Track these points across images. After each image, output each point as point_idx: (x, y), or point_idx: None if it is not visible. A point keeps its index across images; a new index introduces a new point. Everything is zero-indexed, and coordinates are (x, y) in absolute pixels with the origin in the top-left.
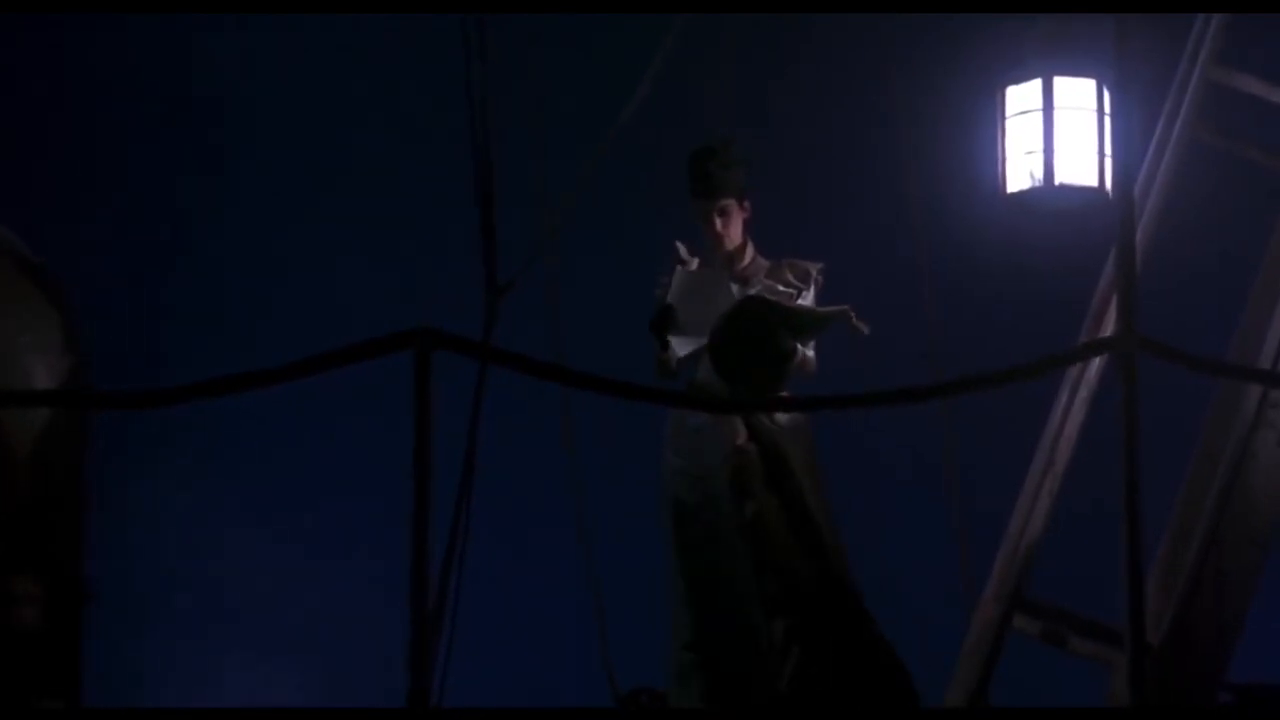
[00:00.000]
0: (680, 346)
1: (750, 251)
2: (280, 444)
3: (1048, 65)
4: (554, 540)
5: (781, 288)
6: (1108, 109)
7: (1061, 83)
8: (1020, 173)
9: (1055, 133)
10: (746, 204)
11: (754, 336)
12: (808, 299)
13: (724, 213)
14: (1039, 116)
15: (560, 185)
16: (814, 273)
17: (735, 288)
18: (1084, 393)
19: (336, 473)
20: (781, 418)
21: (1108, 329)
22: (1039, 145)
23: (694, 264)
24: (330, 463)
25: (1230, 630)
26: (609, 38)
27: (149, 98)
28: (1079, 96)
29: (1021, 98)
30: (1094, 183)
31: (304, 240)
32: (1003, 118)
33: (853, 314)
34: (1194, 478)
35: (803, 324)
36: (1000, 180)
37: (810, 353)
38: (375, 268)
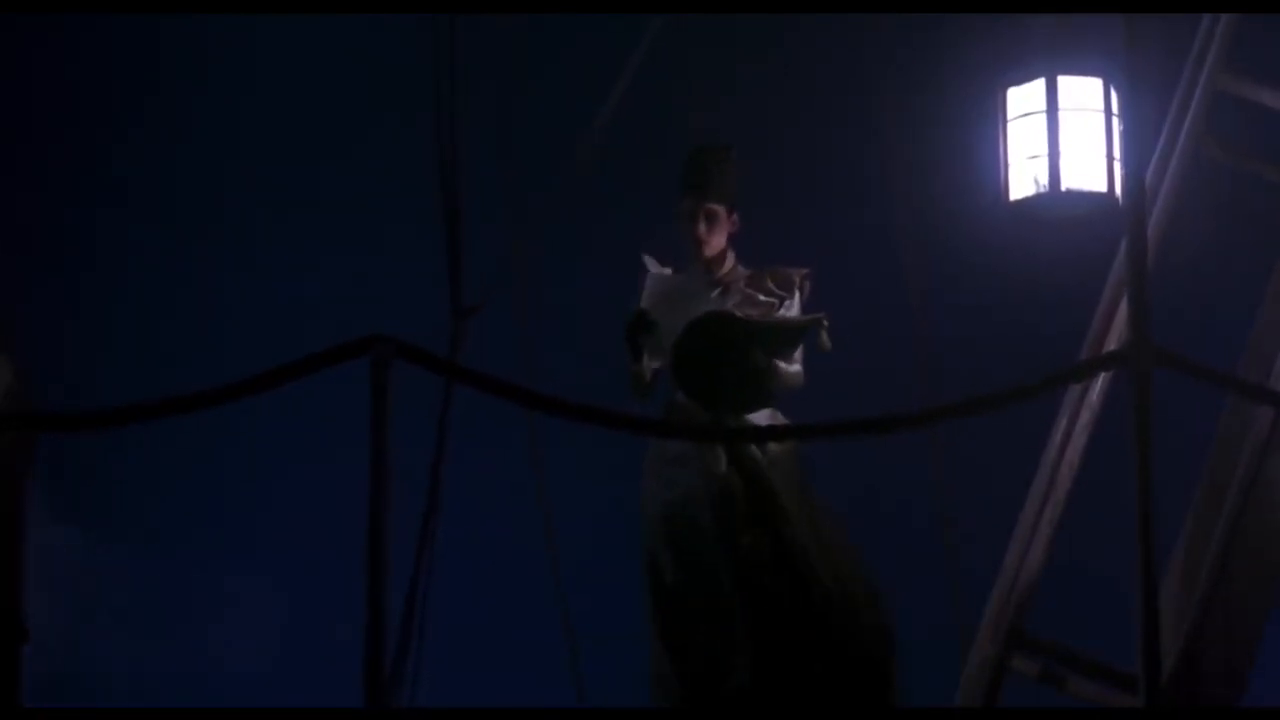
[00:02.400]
0: (656, 358)
1: (730, 260)
2: (246, 466)
3: (1051, 64)
4: (523, 558)
5: (762, 297)
6: (1115, 109)
7: (1066, 82)
8: (1024, 179)
9: (1060, 135)
10: (735, 217)
11: (719, 354)
12: (792, 308)
13: (710, 217)
14: (1043, 118)
15: (532, 201)
16: (798, 279)
17: (714, 294)
18: (1086, 416)
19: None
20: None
21: (1111, 346)
22: (1043, 149)
23: (666, 272)
24: (306, 480)
25: (1241, 668)
26: (585, 43)
27: (109, 108)
28: (1085, 97)
29: (1024, 99)
30: (1103, 188)
31: (264, 258)
32: (1004, 120)
33: (825, 324)
34: (1200, 507)
35: (775, 337)
36: (1002, 187)
37: (794, 366)
38: (339, 289)
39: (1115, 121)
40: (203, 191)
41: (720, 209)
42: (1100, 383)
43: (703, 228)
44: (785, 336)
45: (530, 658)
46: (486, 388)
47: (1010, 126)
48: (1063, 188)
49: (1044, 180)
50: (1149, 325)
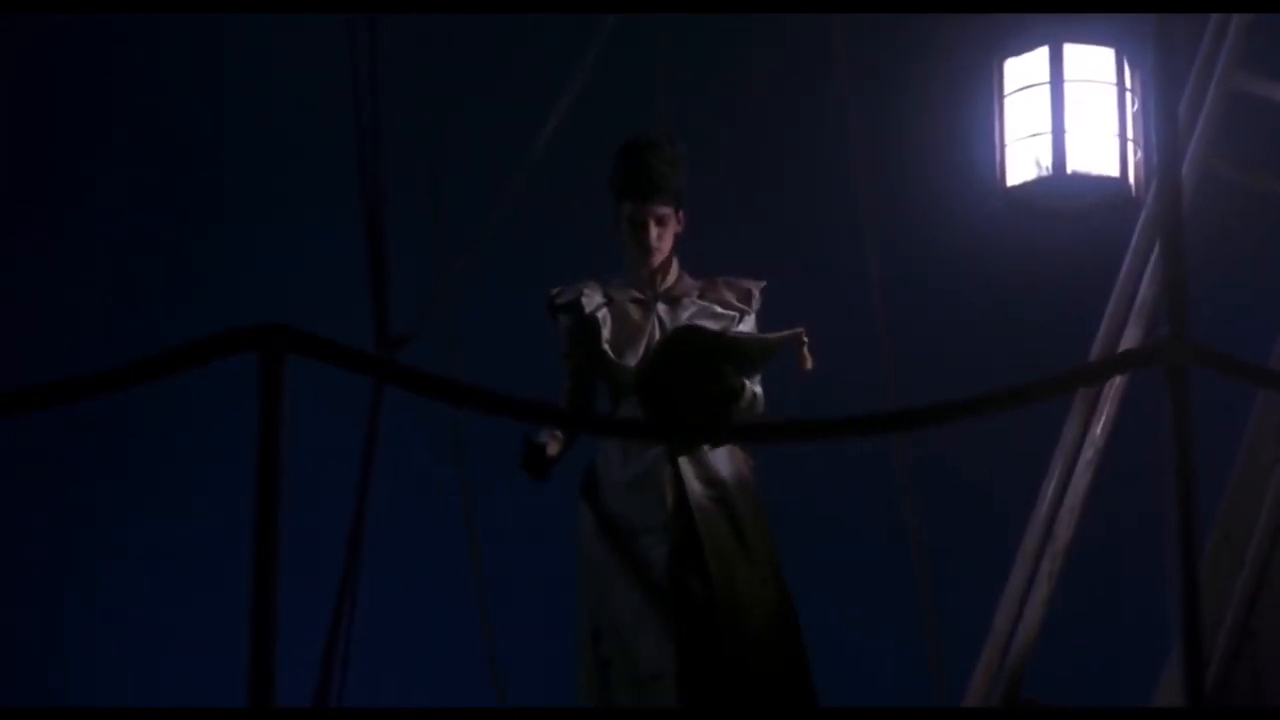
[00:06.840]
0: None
1: (675, 268)
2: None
3: (1055, 30)
4: (447, 570)
5: (720, 309)
6: (1129, 83)
7: (1073, 51)
8: (1023, 161)
9: (1066, 112)
10: (682, 215)
11: (691, 375)
12: (749, 323)
13: (661, 221)
14: (1046, 92)
15: (465, 223)
16: (756, 292)
17: (663, 309)
18: (1089, 453)
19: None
20: (723, 469)
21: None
22: (1046, 127)
23: (595, 290)
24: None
25: None
26: (525, 53)
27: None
28: (1094, 68)
29: (1024, 70)
30: (1114, 172)
31: (179, 283)
32: (1000, 94)
33: (804, 340)
34: (1213, 562)
35: (751, 355)
36: (998, 170)
37: (758, 389)
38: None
39: (1129, 97)
40: (89, 208)
41: (669, 211)
42: (1105, 416)
43: (654, 235)
44: (760, 354)
45: (453, 665)
46: (409, 386)
47: (1008, 101)
48: (1068, 171)
49: (1046, 163)
50: (1185, 315)
